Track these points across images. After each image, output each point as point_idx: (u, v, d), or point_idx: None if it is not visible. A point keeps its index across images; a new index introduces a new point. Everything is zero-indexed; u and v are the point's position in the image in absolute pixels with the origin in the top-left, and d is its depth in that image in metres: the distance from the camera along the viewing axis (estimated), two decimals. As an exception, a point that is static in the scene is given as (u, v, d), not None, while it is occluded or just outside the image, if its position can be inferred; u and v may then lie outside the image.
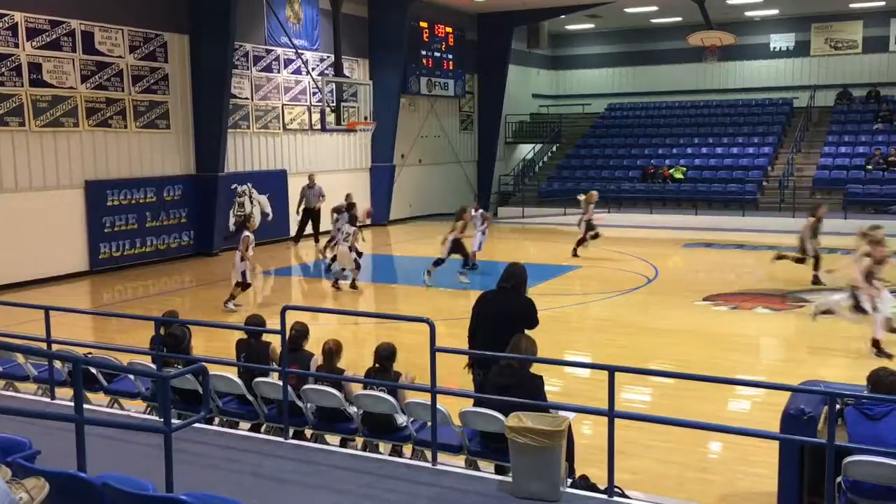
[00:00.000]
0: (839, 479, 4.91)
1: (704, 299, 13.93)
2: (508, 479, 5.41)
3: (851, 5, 27.62)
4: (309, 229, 20.77)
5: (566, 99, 33.92)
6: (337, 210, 15.87)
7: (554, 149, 31.56)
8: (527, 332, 6.31)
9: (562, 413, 5.66)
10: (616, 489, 5.29)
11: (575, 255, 17.90)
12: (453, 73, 27.52)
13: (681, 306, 13.51)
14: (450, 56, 27.21)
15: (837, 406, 5.38)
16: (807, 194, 24.40)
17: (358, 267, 14.73)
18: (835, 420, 5.13)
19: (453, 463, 6.10)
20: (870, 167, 24.44)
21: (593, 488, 5.50)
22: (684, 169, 26.66)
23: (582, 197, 18.43)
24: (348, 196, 16.79)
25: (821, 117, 28.17)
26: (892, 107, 26.93)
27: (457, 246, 15.30)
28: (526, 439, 5.13)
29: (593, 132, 30.96)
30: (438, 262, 15.24)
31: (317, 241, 20.31)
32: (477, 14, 28.40)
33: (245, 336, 7.45)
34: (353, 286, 14.83)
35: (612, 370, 5.29)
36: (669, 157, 27.70)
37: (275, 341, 7.03)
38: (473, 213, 16.48)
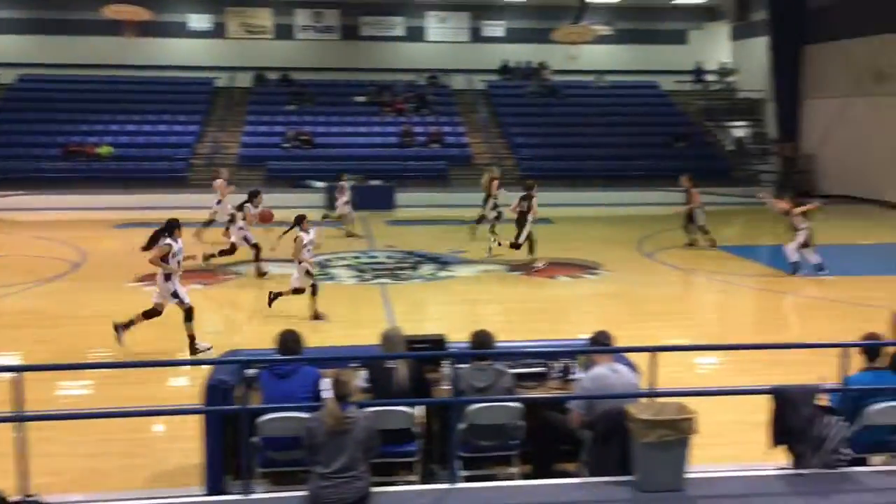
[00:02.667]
0: (256, 438, 5.29)
1: (137, 281, 13.69)
2: None
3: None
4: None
5: (-33, 66, 29.68)
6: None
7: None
8: None
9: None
10: (30, 497, 4.89)
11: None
12: None
13: (113, 290, 13.04)
14: None
15: (252, 371, 5.80)
16: (233, 170, 25.59)
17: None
18: (249, 385, 5.51)
19: None
20: (287, 145, 26.73)
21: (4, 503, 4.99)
22: (110, 147, 25.67)
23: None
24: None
25: (241, 97, 29.72)
26: (301, 89, 29.75)
27: None
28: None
29: (5, 105, 27.75)
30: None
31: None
32: None
33: None
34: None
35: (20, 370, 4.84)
36: (94, 135, 26.34)
37: None
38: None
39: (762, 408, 5.58)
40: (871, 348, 5.81)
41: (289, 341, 5.82)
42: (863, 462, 5.70)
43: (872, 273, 15.03)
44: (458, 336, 6.34)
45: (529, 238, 14.87)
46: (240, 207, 14.25)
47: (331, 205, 20.64)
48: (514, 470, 5.74)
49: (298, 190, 23.94)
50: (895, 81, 22.87)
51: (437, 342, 6.33)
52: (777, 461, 5.62)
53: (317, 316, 11.12)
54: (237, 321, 11.75)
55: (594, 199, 24.05)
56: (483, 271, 14.89)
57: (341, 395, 4.98)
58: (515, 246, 14.81)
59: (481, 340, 5.87)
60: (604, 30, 29.73)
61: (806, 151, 27.85)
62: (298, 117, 28.39)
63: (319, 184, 23.69)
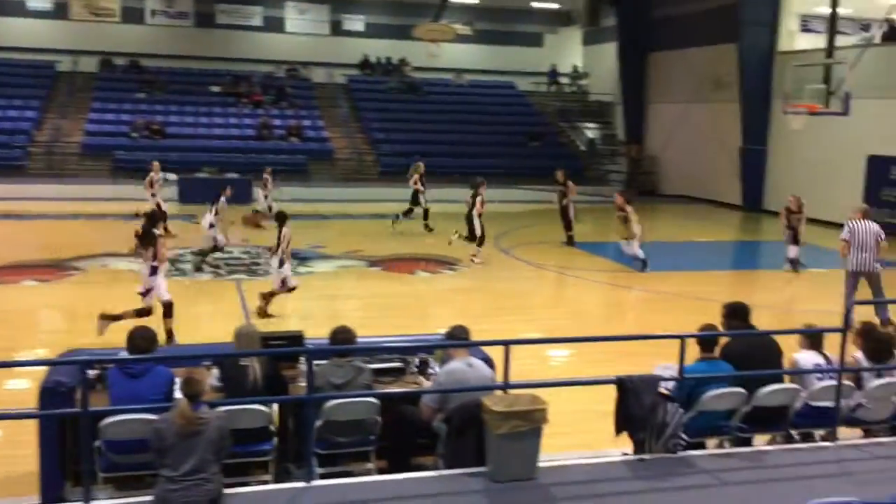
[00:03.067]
0: (98, 442, 5.02)
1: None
2: None
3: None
4: None
5: None
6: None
7: None
8: None
9: None
10: None
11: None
12: None
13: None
14: None
15: (98, 371, 5.51)
16: (76, 160, 24.23)
17: None
18: (91, 386, 5.22)
19: None
20: (135, 134, 25.47)
21: None
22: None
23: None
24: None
25: (85, 83, 28.07)
26: (152, 77, 28.45)
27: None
28: None
29: None
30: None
31: None
32: None
33: None
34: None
35: None
36: (-84, 118, 24.21)
37: None
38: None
39: (609, 397, 5.84)
40: (706, 339, 6.21)
41: (138, 339, 5.55)
42: (700, 446, 6.09)
43: (707, 268, 16.08)
44: (318, 332, 6.26)
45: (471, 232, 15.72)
46: (212, 204, 14.01)
47: (182, 198, 20.02)
48: (370, 465, 5.74)
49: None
50: (731, 89, 24.49)
51: (295, 338, 6.23)
52: (622, 448, 5.91)
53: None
54: (78, 319, 11.09)
55: (452, 196, 24.33)
56: (341, 267, 14.79)
57: (192, 395, 4.81)
58: (474, 240, 15.53)
59: (341, 337, 5.83)
60: (464, 29, 30.18)
61: (650, 153, 29.39)
62: (148, 106, 27.16)
63: (173, 176, 22.72)
